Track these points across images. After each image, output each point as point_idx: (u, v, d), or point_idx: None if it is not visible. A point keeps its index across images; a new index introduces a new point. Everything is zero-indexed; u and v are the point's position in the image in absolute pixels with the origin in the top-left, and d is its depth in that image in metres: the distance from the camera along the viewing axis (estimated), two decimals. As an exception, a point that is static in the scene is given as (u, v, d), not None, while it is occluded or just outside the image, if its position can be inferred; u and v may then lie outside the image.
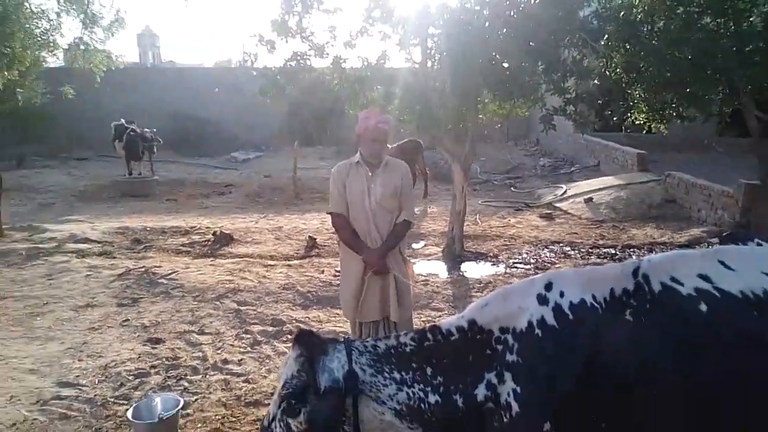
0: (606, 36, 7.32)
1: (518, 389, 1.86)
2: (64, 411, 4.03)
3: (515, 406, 1.86)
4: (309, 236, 8.82)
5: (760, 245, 2.17)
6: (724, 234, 8.10)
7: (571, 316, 1.86)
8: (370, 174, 3.82)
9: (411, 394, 2.02)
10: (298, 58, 7.52)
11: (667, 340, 1.76)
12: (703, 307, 1.76)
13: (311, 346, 2.09)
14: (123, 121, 14.71)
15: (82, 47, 10.48)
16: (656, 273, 1.86)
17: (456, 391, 1.98)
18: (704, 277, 1.81)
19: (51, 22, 9.84)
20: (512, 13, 6.66)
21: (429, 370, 2.03)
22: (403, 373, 2.04)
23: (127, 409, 3.72)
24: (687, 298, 1.79)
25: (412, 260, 7.81)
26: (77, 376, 4.54)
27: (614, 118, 8.44)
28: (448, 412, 1.98)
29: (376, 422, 2.09)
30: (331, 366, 2.03)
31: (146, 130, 14.55)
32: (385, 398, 2.05)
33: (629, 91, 8.00)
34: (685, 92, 7.17)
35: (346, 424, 2.05)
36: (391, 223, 3.85)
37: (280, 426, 2.09)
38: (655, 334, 1.77)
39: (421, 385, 2.02)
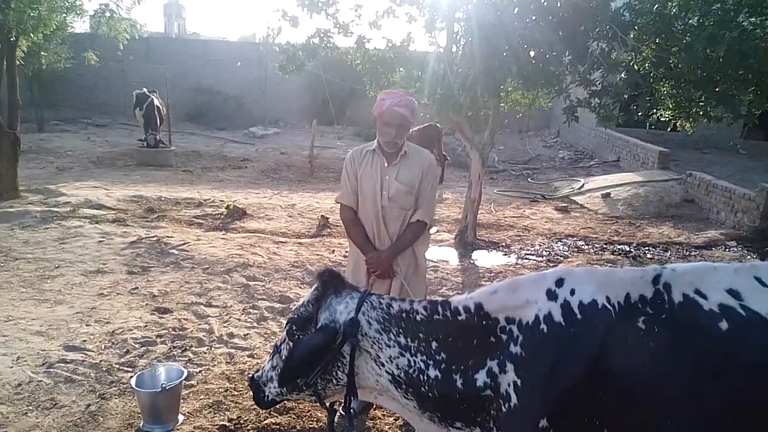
0: (637, 29, 7.15)
1: (519, 382, 1.82)
2: (69, 374, 4.05)
3: (514, 398, 1.82)
4: (321, 215, 8.80)
5: None
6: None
7: (579, 316, 1.79)
8: (385, 164, 3.40)
9: (412, 363, 2.01)
10: (321, 35, 7.44)
11: (677, 355, 1.67)
12: (724, 326, 1.65)
13: (327, 284, 2.16)
14: (145, 89, 14.72)
15: (107, 14, 10.43)
16: (679, 283, 1.76)
17: (457, 371, 1.94)
18: (733, 293, 1.69)
19: (79, -14, 9.79)
20: (543, 1, 6.51)
21: (434, 344, 2.00)
22: (409, 340, 2.03)
23: (131, 377, 3.73)
24: (707, 313, 1.68)
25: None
26: (84, 341, 4.56)
27: (639, 114, 8.25)
28: (446, 391, 1.95)
29: (372, 381, 2.11)
30: (337, 308, 2.09)
31: (153, 133, 13.66)
32: (384, 360, 2.04)
33: (656, 87, 7.83)
34: (715, 91, 7.00)
35: (340, 370, 2.10)
36: (404, 223, 3.44)
37: (287, 347, 2.20)
38: (666, 346, 1.68)
39: (424, 357, 2.00)
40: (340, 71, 12.47)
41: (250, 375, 2.41)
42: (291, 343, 2.16)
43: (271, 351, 2.32)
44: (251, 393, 2.39)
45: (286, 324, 2.20)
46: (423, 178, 3.42)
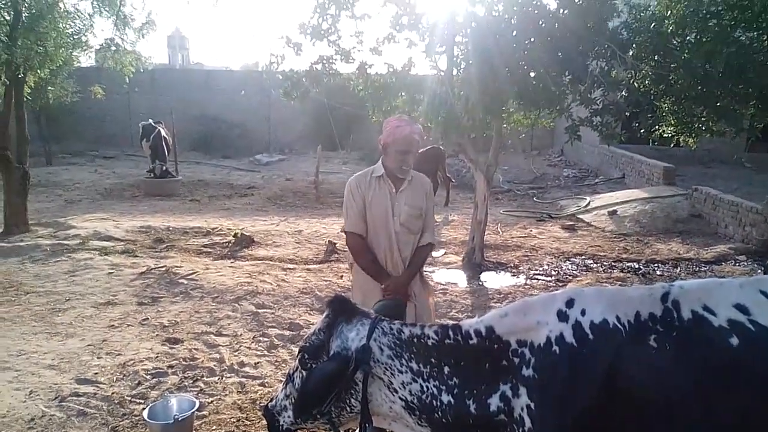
0: (635, 47, 7.22)
1: (532, 405, 1.81)
2: (81, 408, 4.06)
3: (528, 422, 1.81)
4: (329, 241, 8.81)
5: None
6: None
7: (591, 336, 1.79)
8: (394, 190, 3.42)
9: (425, 388, 2.00)
10: (324, 61, 7.55)
11: (690, 372, 1.68)
12: (735, 341, 1.66)
13: (338, 311, 2.16)
14: (151, 121, 14.90)
15: (113, 48, 10.60)
16: (688, 300, 1.77)
17: (470, 396, 1.94)
18: (741, 308, 1.70)
19: (84, 23, 9.95)
20: (541, 23, 6.60)
21: (446, 369, 2.00)
22: (421, 365, 2.03)
23: (143, 409, 3.73)
24: (717, 329, 1.69)
25: (431, 269, 7.79)
26: (96, 374, 4.57)
27: (642, 131, 8.29)
28: (460, 416, 1.94)
29: (385, 408, 2.11)
30: (348, 335, 2.09)
31: (160, 164, 14.13)
32: (397, 386, 2.04)
33: (658, 104, 7.88)
34: (716, 106, 7.05)
35: (353, 397, 2.10)
36: (414, 246, 3.50)
37: (300, 376, 2.19)
38: (678, 364, 1.69)
39: (437, 382, 1.99)
40: (343, 97, 12.58)
41: (264, 404, 2.41)
42: (304, 372, 2.16)
43: (283, 379, 2.32)
44: (265, 422, 2.39)
45: (299, 353, 2.20)
46: (427, 201, 3.53)
